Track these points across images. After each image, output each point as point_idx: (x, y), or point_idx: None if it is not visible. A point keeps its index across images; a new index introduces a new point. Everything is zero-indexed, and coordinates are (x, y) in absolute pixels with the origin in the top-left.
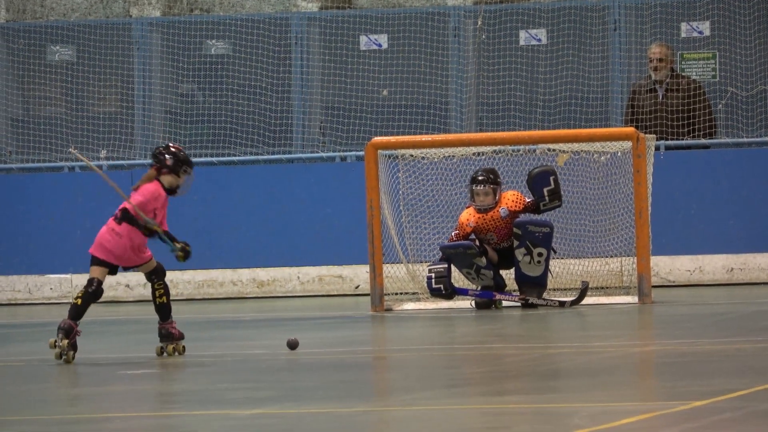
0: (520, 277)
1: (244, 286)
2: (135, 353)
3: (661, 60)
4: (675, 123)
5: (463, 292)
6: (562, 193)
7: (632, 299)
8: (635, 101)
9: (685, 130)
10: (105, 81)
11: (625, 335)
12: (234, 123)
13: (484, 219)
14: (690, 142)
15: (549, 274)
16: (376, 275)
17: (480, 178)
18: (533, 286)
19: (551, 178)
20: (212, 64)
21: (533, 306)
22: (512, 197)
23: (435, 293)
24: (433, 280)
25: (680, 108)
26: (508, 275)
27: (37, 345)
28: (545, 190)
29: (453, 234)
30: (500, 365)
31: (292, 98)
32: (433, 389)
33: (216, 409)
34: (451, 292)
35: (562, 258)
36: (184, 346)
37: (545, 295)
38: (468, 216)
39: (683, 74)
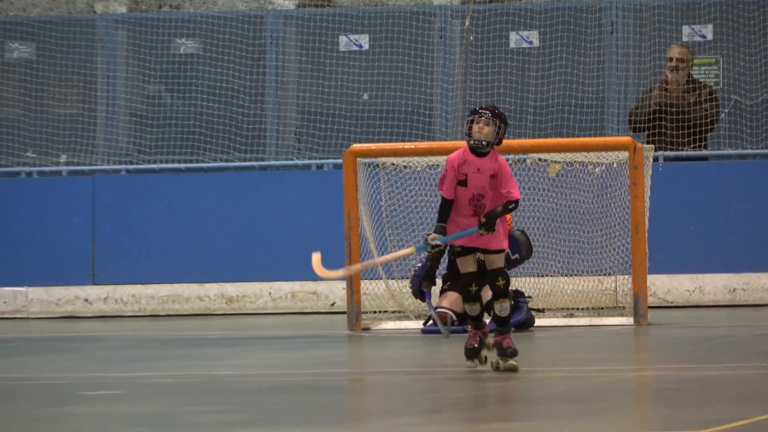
0: None
1: (211, 302)
2: (95, 372)
3: (681, 60)
4: (681, 130)
5: (458, 330)
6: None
7: (627, 320)
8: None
9: (689, 138)
10: (66, 81)
11: (620, 359)
12: (203, 127)
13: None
14: (690, 153)
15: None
16: (353, 292)
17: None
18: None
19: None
20: (181, 64)
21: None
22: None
23: (427, 332)
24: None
25: (694, 115)
26: None
27: None
28: (513, 257)
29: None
30: (485, 389)
31: (266, 101)
32: (413, 414)
33: None
34: (448, 333)
35: (554, 276)
36: None
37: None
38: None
39: (699, 80)
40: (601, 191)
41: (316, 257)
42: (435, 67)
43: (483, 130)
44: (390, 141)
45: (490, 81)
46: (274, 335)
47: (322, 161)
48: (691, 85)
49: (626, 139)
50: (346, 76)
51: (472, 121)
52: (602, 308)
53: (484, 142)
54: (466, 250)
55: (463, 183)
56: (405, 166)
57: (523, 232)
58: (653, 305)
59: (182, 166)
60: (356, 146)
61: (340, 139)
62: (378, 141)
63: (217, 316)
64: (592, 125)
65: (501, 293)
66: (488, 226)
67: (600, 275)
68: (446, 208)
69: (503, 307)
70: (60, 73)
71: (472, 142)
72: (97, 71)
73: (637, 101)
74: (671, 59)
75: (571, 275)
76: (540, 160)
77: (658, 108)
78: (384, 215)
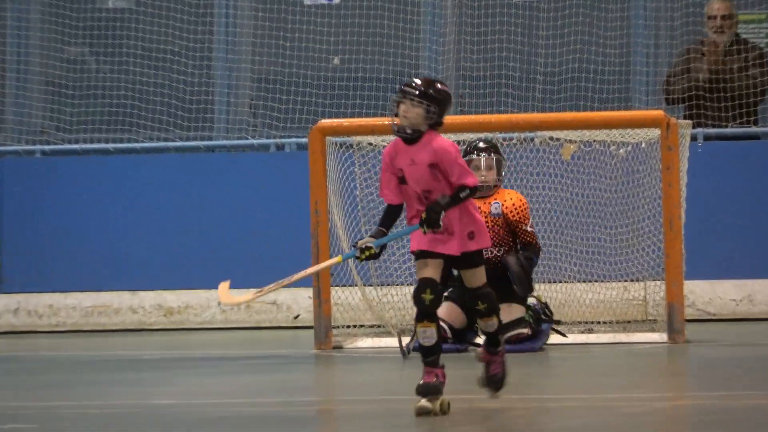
0: None
1: (147, 315)
2: (3, 402)
3: (725, 18)
4: (724, 102)
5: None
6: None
7: (660, 337)
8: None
9: (735, 113)
10: None
11: (650, 385)
12: (137, 99)
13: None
14: (736, 130)
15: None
16: (321, 302)
17: (482, 145)
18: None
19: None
20: (109, 21)
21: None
22: (515, 199)
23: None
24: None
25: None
26: None
27: None
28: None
29: None
30: (484, 422)
31: (214, 67)
32: None
33: None
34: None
35: (569, 282)
36: None
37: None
38: None
39: (746, 39)
40: (626, 177)
41: (223, 285)
42: (422, 26)
43: (408, 113)
44: (366, 116)
45: (489, 42)
46: (225, 355)
47: (282, 140)
48: (735, 47)
49: (657, 112)
50: (312, 36)
51: (397, 103)
52: (629, 322)
53: (408, 130)
54: (424, 254)
55: (402, 180)
56: (384, 146)
57: (520, 258)
58: (691, 318)
59: (110, 146)
60: (325, 122)
61: (306, 114)
62: (352, 116)
63: (154, 332)
64: (615, 96)
65: (486, 315)
66: (430, 221)
67: (626, 281)
68: (388, 215)
69: (489, 324)
70: None
71: (395, 127)
72: (6, 31)
73: (670, 67)
74: (713, 17)
75: (590, 281)
76: (551, 139)
77: (700, 79)
78: (360, 207)
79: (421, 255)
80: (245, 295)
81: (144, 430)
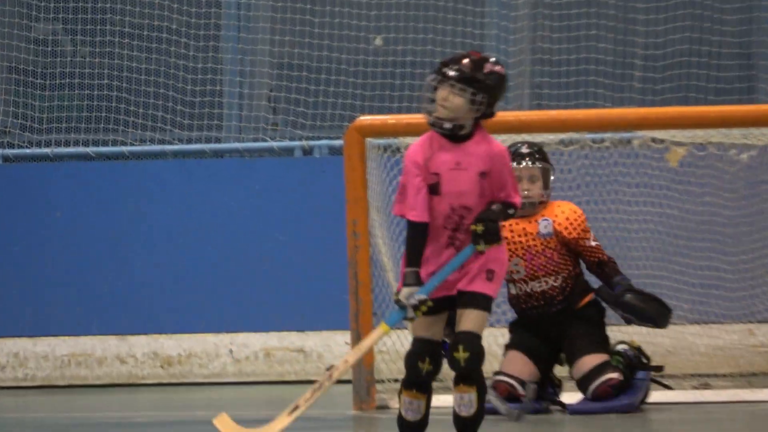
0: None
1: (139, 366)
2: None
3: None
4: None
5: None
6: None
7: None
8: None
9: None
10: None
11: None
12: (125, 90)
13: (514, 232)
14: None
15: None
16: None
17: (524, 150)
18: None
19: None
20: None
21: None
22: (568, 211)
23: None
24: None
25: None
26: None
27: None
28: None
29: None
30: None
31: (223, 50)
32: None
33: None
34: (519, 413)
35: (678, 323)
36: None
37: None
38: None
39: None
40: (751, 190)
41: (222, 419)
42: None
43: (447, 102)
44: (416, 112)
45: (573, 18)
46: (239, 418)
47: (310, 143)
48: None
49: None
50: (347, 10)
51: (434, 86)
52: (755, 374)
53: (447, 124)
54: (439, 305)
55: (434, 190)
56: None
57: (634, 291)
58: None
59: (90, 150)
60: (364, 119)
61: (340, 109)
62: (398, 111)
63: (148, 387)
64: (735, 87)
65: (462, 376)
66: (488, 235)
67: (751, 322)
68: (417, 240)
69: (464, 400)
70: None
71: (430, 118)
72: None
73: None
74: None
75: (705, 323)
76: (654, 140)
77: None
78: None
79: (435, 308)
80: (279, 421)
81: None
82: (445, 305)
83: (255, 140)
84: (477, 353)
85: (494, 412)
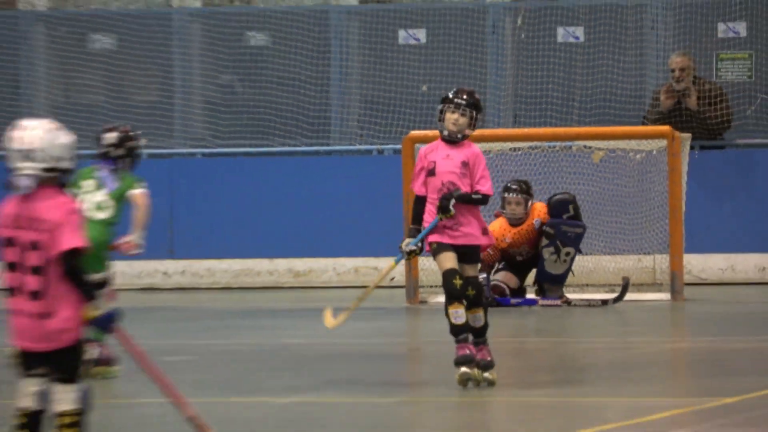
0: (541, 276)
1: (280, 276)
2: (173, 340)
3: (682, 70)
4: (693, 131)
5: (504, 302)
6: (582, 219)
7: (665, 296)
8: (655, 106)
9: (708, 137)
10: (146, 70)
11: (658, 332)
12: (272, 114)
13: (519, 233)
14: (725, 141)
15: (570, 273)
16: (411, 267)
17: (513, 186)
18: (553, 283)
19: (570, 206)
20: (252, 55)
21: (571, 305)
22: (543, 209)
23: None
24: None
25: (702, 112)
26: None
27: None
28: (564, 216)
29: (488, 251)
30: (532, 359)
31: (331, 91)
32: None
33: (253, 396)
34: (491, 301)
35: (596, 254)
36: None
37: (564, 291)
38: (502, 230)
39: (705, 80)
40: (641, 176)
41: (327, 313)
42: (488, 60)
43: (459, 121)
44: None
45: (538, 73)
46: (338, 307)
47: (382, 147)
48: (699, 87)
49: (665, 128)
50: (405, 68)
51: (443, 110)
52: (642, 285)
53: (458, 135)
54: (442, 247)
55: (431, 172)
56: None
57: (560, 200)
58: (689, 282)
59: (253, 150)
60: (414, 133)
61: (400, 127)
62: (434, 128)
63: (285, 289)
64: (633, 115)
65: (473, 303)
66: (443, 208)
67: (640, 254)
68: (417, 207)
69: (476, 317)
70: (139, 63)
71: (445, 132)
72: (174, 61)
73: (648, 106)
74: (673, 70)
75: (613, 254)
76: (585, 147)
77: (666, 113)
78: None
79: (439, 247)
80: (341, 315)
81: (277, 362)
82: (453, 249)
83: (349, 145)
84: (479, 290)
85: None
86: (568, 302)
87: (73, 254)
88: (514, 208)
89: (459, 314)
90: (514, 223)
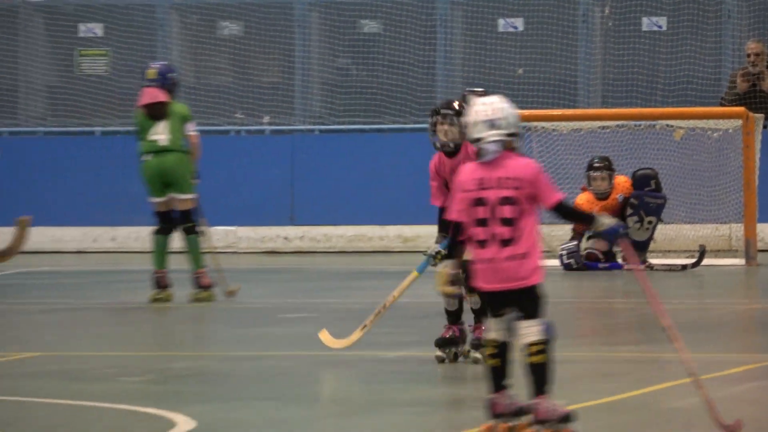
0: None
1: (390, 241)
2: (293, 299)
3: (757, 55)
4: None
5: (594, 266)
6: (663, 192)
7: (739, 262)
8: (732, 88)
9: None
10: (269, 54)
11: (733, 294)
12: (383, 94)
13: (605, 207)
14: None
15: (652, 240)
16: None
17: (597, 164)
18: (637, 249)
19: (652, 181)
20: (365, 41)
21: (653, 269)
22: (625, 183)
23: (567, 267)
24: (564, 257)
25: None
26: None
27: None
28: (646, 189)
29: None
30: (615, 318)
31: (436, 74)
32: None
33: (365, 350)
34: (581, 266)
35: (677, 223)
36: None
37: (647, 257)
38: (589, 204)
39: None
40: (718, 153)
41: (324, 335)
42: (578, 46)
43: (449, 133)
44: (540, 108)
45: (625, 57)
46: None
47: None
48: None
49: (740, 109)
50: (503, 53)
51: (435, 123)
52: (718, 251)
53: (451, 144)
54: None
55: (446, 185)
56: (553, 129)
57: (643, 176)
58: (762, 249)
59: (365, 126)
60: None
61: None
62: (530, 108)
63: (395, 253)
64: (711, 97)
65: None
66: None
67: (717, 223)
68: (443, 218)
69: (474, 302)
70: (264, 48)
71: (438, 144)
72: (295, 46)
73: (726, 88)
74: (749, 55)
75: (692, 223)
76: (667, 125)
77: (742, 95)
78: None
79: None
80: (356, 333)
81: (388, 320)
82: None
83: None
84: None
85: (574, 268)
86: (651, 267)
87: (560, 204)
88: (600, 183)
89: (474, 300)
90: (600, 197)
